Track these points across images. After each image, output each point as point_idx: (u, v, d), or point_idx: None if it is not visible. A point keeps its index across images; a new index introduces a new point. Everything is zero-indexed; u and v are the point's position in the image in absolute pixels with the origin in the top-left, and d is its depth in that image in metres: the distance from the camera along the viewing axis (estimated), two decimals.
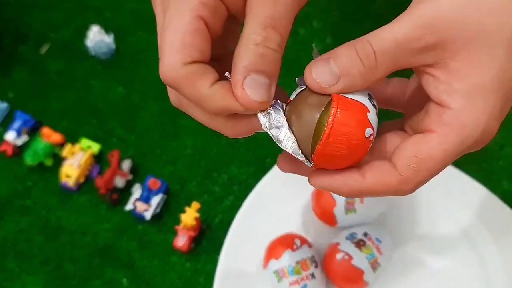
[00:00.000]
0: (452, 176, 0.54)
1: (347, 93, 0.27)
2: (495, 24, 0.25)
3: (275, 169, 0.56)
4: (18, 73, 0.64)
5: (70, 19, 0.67)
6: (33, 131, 0.61)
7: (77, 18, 0.67)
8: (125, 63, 0.65)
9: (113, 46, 0.64)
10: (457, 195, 0.54)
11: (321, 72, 0.27)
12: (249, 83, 0.26)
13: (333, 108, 0.27)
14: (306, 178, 0.58)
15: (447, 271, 0.53)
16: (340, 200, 0.51)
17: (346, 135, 0.27)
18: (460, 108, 0.26)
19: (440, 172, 0.28)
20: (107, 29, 0.65)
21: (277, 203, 0.55)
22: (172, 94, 0.30)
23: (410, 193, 0.28)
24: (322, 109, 0.27)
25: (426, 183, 0.29)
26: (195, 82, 0.26)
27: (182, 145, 0.61)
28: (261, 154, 0.60)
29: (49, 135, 0.59)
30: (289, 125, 0.28)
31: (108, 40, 0.64)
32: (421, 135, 0.28)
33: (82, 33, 0.65)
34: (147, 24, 0.66)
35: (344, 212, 0.51)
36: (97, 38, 0.63)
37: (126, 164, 0.58)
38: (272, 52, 0.26)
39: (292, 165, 0.31)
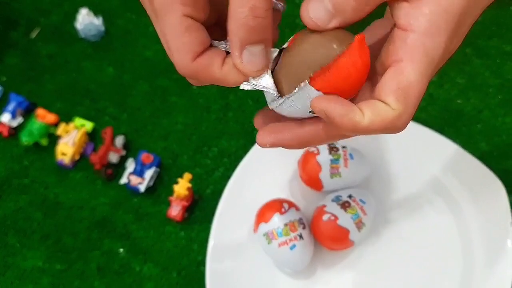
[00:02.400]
0: (433, 139, 0.57)
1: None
2: None
3: None
4: (10, 57, 0.66)
5: (59, 3, 0.68)
6: (28, 112, 0.63)
7: (66, 2, 0.68)
8: (114, 44, 0.67)
9: (102, 28, 0.66)
10: (437, 158, 0.57)
11: (316, 10, 0.28)
12: (246, 57, 0.29)
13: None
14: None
15: (428, 229, 0.55)
16: (325, 166, 0.53)
17: (356, 69, 0.28)
18: (422, 31, 0.28)
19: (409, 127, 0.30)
20: (96, 11, 0.66)
21: (265, 172, 0.57)
22: (191, 80, 0.33)
23: (403, 128, 0.29)
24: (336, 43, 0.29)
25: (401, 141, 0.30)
26: (207, 70, 0.30)
27: (173, 122, 0.63)
28: (249, 127, 0.62)
29: (44, 116, 0.61)
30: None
31: (97, 22, 0.66)
32: (394, 68, 0.29)
33: (71, 17, 0.67)
34: (135, 6, 0.68)
35: (330, 177, 0.54)
36: (86, 21, 0.65)
37: (119, 140, 0.60)
38: (261, 20, 0.28)
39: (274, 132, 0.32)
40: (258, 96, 0.63)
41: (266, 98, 0.32)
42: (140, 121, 0.63)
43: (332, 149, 0.54)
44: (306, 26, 0.30)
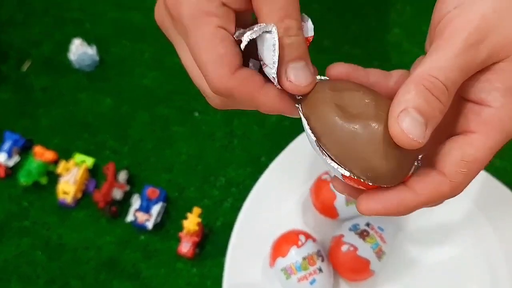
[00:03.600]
0: None
1: None
2: None
3: (271, 168, 0.56)
4: (2, 92, 0.64)
5: (50, 33, 0.66)
6: (24, 150, 0.60)
7: (57, 32, 0.66)
8: (110, 74, 0.64)
9: (97, 57, 0.64)
10: None
11: (411, 126, 0.26)
12: (291, 74, 0.28)
13: None
14: (303, 174, 0.58)
15: (450, 253, 0.54)
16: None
17: None
18: (499, 106, 0.27)
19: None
20: (89, 40, 0.64)
21: (276, 202, 0.56)
22: (216, 99, 0.31)
23: (459, 193, 0.29)
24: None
25: None
26: (247, 85, 0.28)
27: (176, 152, 0.61)
28: (256, 154, 0.60)
29: (42, 154, 0.59)
30: None
31: (91, 52, 0.63)
32: (463, 137, 0.28)
33: (63, 47, 0.64)
34: (129, 33, 0.66)
35: (345, 204, 0.52)
36: (79, 51, 0.63)
37: (122, 176, 0.58)
38: (295, 38, 0.28)
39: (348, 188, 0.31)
40: (263, 120, 0.61)
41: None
42: (142, 154, 0.61)
43: None
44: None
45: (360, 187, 0.29)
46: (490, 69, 0.27)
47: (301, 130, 0.57)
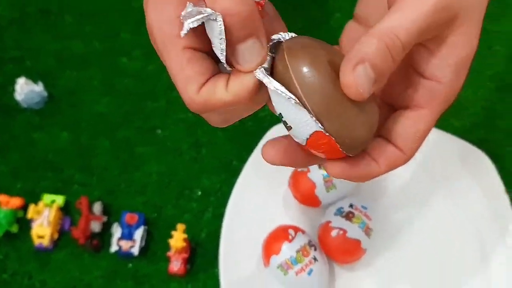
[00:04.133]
0: None
1: None
2: (478, 2, 0.28)
3: (245, 171, 0.56)
4: None
5: None
6: None
7: None
8: (62, 107, 0.62)
9: (45, 93, 0.62)
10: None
11: (363, 83, 0.26)
12: (239, 58, 0.28)
13: None
14: (278, 171, 0.57)
15: (430, 217, 0.56)
16: (319, 181, 0.53)
17: None
18: (448, 82, 0.29)
19: None
20: (33, 78, 0.62)
21: (257, 202, 0.56)
22: (211, 116, 0.31)
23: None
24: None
25: None
26: (213, 97, 0.28)
27: (146, 173, 0.60)
28: (226, 159, 0.60)
29: (7, 202, 0.56)
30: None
31: (38, 89, 0.61)
32: (415, 114, 0.30)
33: (7, 89, 0.62)
34: (72, 62, 0.64)
35: (326, 191, 0.53)
36: (25, 89, 0.61)
37: (97, 207, 0.57)
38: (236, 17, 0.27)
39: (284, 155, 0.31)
40: (229, 127, 0.61)
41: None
42: (112, 181, 0.59)
43: None
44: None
45: (320, 154, 0.29)
46: (445, 43, 0.28)
47: (266, 128, 0.58)
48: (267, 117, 0.61)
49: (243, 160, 0.57)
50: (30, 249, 0.56)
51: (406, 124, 0.30)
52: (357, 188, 0.56)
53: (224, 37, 0.27)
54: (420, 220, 0.55)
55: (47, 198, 0.57)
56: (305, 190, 0.53)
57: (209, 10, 0.27)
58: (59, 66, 0.64)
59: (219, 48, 0.28)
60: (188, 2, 0.27)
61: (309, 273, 0.49)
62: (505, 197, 0.54)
